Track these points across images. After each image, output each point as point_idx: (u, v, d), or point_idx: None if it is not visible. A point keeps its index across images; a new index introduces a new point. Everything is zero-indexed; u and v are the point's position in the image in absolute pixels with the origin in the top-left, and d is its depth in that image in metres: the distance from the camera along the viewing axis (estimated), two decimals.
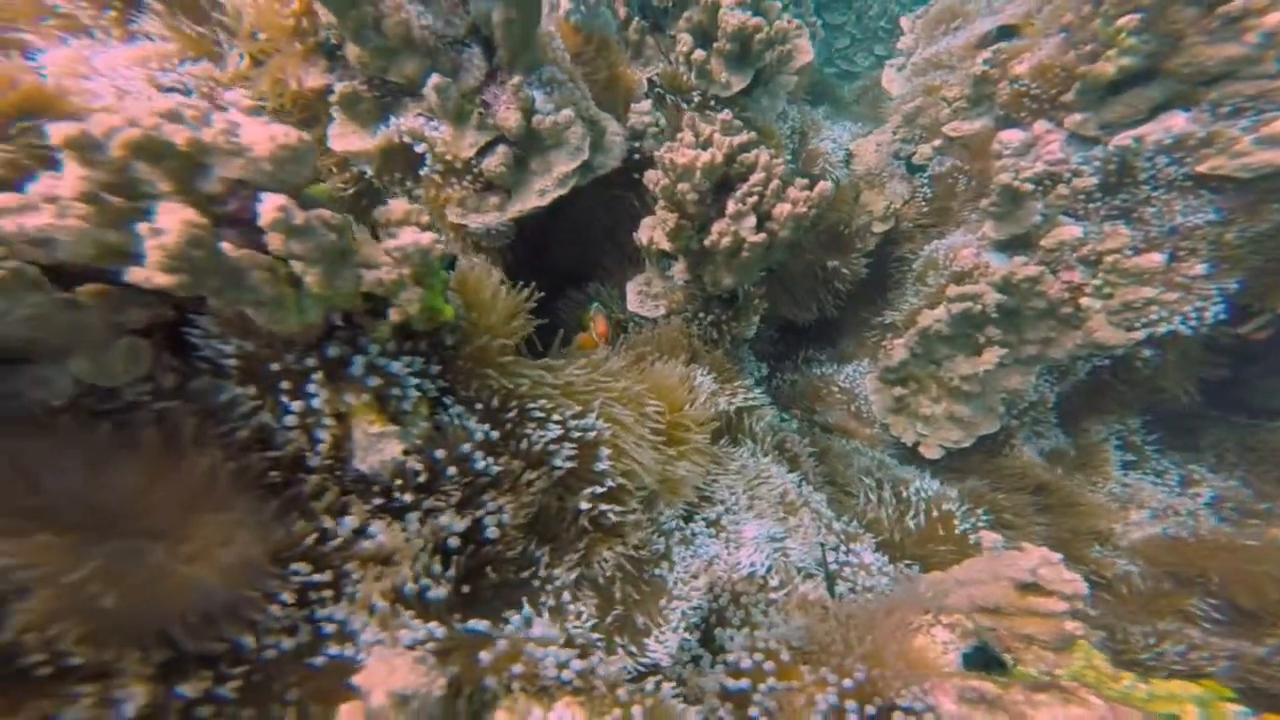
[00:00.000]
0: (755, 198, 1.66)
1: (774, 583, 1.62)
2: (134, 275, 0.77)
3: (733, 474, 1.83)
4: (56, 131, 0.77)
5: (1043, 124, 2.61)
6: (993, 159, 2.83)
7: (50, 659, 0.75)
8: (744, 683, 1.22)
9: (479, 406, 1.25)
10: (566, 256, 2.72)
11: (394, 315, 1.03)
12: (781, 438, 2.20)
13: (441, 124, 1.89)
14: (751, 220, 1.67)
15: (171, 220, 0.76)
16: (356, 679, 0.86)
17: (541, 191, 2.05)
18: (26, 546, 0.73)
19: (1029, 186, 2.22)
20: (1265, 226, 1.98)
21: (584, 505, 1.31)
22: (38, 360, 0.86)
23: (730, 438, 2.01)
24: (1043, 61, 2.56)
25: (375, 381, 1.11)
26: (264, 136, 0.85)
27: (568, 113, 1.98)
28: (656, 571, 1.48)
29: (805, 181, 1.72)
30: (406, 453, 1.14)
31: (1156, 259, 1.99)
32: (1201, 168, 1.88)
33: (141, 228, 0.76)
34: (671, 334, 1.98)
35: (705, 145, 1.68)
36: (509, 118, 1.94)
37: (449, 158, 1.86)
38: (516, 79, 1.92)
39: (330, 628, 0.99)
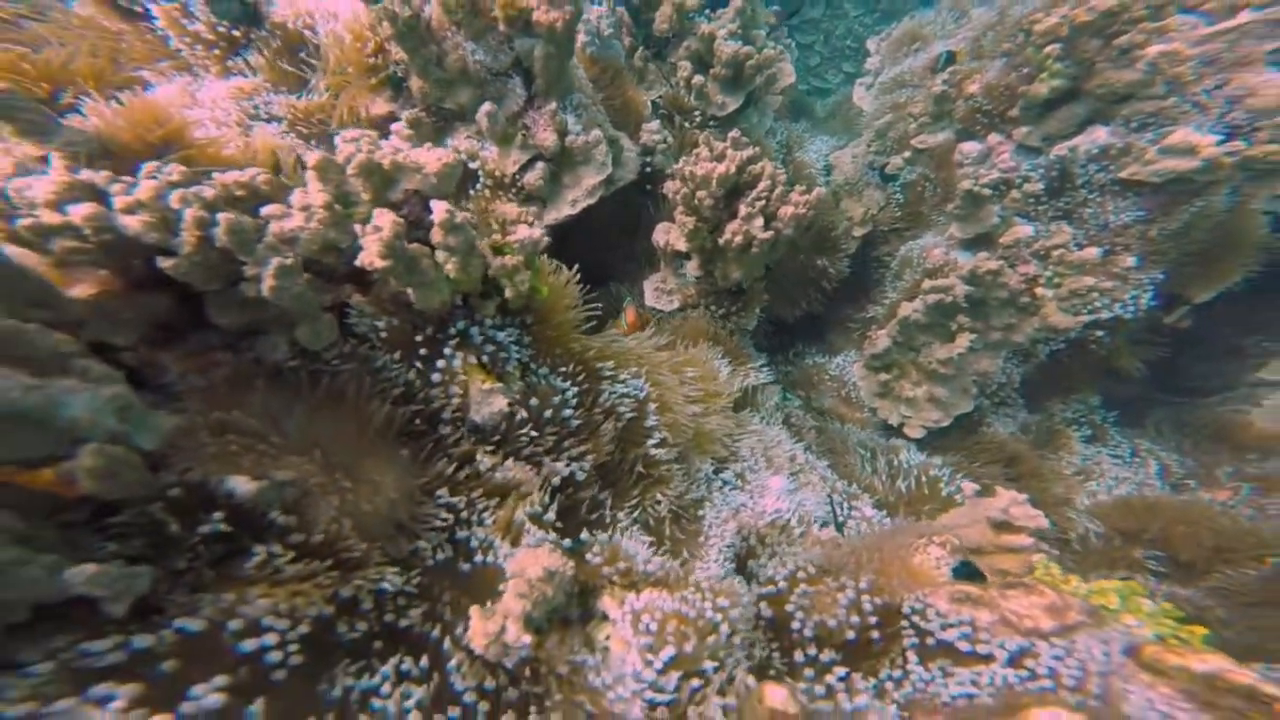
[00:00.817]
0: (763, 201, 2.05)
1: (795, 527, 1.98)
2: (364, 259, 1.10)
3: (750, 437, 2.20)
4: (311, 158, 1.09)
5: (995, 136, 3.10)
6: (955, 168, 3.32)
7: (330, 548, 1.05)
8: (782, 586, 1.57)
9: (561, 369, 1.59)
10: (584, 259, 3.08)
11: (509, 293, 1.37)
12: (787, 412, 2.58)
13: (489, 144, 2.24)
14: (760, 221, 2.06)
15: (385, 220, 1.10)
16: (511, 565, 1.18)
17: (574, 202, 2.41)
18: (302, 467, 1.04)
19: (988, 191, 2.68)
20: (1177, 225, 2.47)
21: (652, 449, 1.64)
22: (269, 331, 1.17)
23: (746, 409, 2.37)
24: (991, 82, 3.06)
25: (488, 349, 1.44)
26: (432, 158, 1.19)
27: (597, 133, 2.35)
28: (699, 512, 1.82)
29: (803, 188, 2.13)
30: (511, 405, 1.47)
31: (1093, 253, 2.46)
32: (1123, 174, 2.36)
33: (366, 228, 1.09)
34: (697, 323, 2.36)
35: (719, 158, 2.06)
36: (547, 138, 2.30)
37: (497, 173, 2.20)
38: (553, 105, 2.29)
39: (475, 543, 1.31)
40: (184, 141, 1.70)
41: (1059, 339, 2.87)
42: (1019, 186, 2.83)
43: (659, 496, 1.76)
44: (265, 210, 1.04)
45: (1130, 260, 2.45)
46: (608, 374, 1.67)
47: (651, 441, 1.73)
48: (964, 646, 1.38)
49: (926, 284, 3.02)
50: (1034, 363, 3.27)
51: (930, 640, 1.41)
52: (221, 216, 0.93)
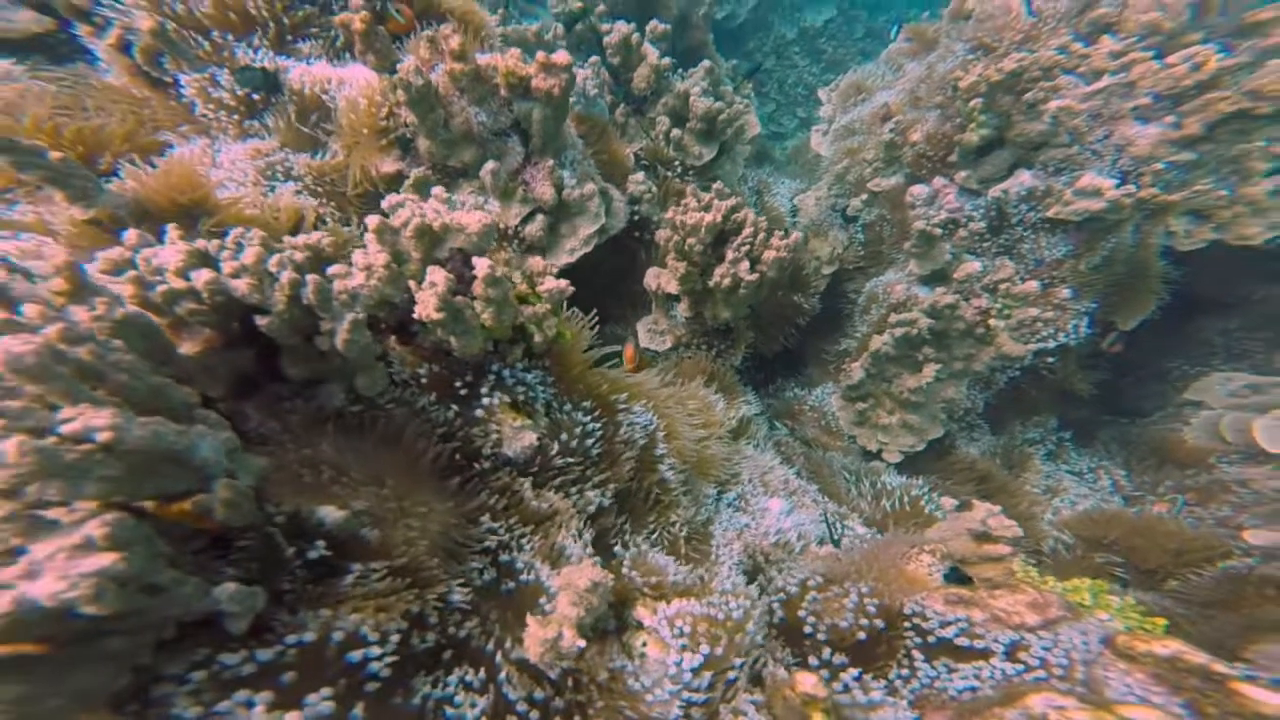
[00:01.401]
0: (747, 246, 2.32)
1: (795, 544, 2.17)
2: (421, 312, 1.27)
3: (747, 463, 2.40)
4: (371, 221, 1.27)
5: (940, 180, 3.52)
6: (908, 209, 3.72)
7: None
8: (794, 591, 1.75)
9: (581, 405, 1.76)
10: (580, 303, 3.29)
11: (537, 338, 1.55)
12: (776, 439, 2.80)
13: (492, 200, 2.45)
14: (746, 264, 2.32)
15: (439, 278, 1.28)
16: (557, 581, 1.33)
17: (571, 250, 2.63)
18: (372, 498, 1.18)
19: (939, 230, 3.04)
20: (1099, 258, 2.88)
21: (666, 474, 1.82)
22: (330, 380, 1.32)
23: (739, 439, 2.58)
24: (930, 131, 3.49)
25: (519, 389, 1.61)
26: (473, 219, 1.39)
27: (591, 186, 2.60)
28: (709, 530, 1.99)
29: (781, 232, 2.41)
30: (540, 439, 1.63)
31: (1034, 285, 2.83)
32: (1049, 213, 2.76)
33: (423, 285, 1.27)
34: (694, 361, 2.58)
35: (706, 208, 2.33)
36: (545, 192, 2.53)
37: (500, 226, 2.41)
38: (550, 162, 2.53)
39: (519, 564, 1.44)
40: (210, 203, 1.85)
41: (1014, 366, 3.22)
42: (965, 225, 3.21)
43: (673, 518, 1.92)
44: (331, 270, 1.21)
45: (1065, 292, 2.83)
46: (621, 407, 1.85)
47: (664, 467, 1.91)
48: (962, 642, 1.57)
49: (893, 318, 3.35)
50: (994, 389, 3.63)
51: (931, 639, 1.60)
52: (309, 277, 1.10)
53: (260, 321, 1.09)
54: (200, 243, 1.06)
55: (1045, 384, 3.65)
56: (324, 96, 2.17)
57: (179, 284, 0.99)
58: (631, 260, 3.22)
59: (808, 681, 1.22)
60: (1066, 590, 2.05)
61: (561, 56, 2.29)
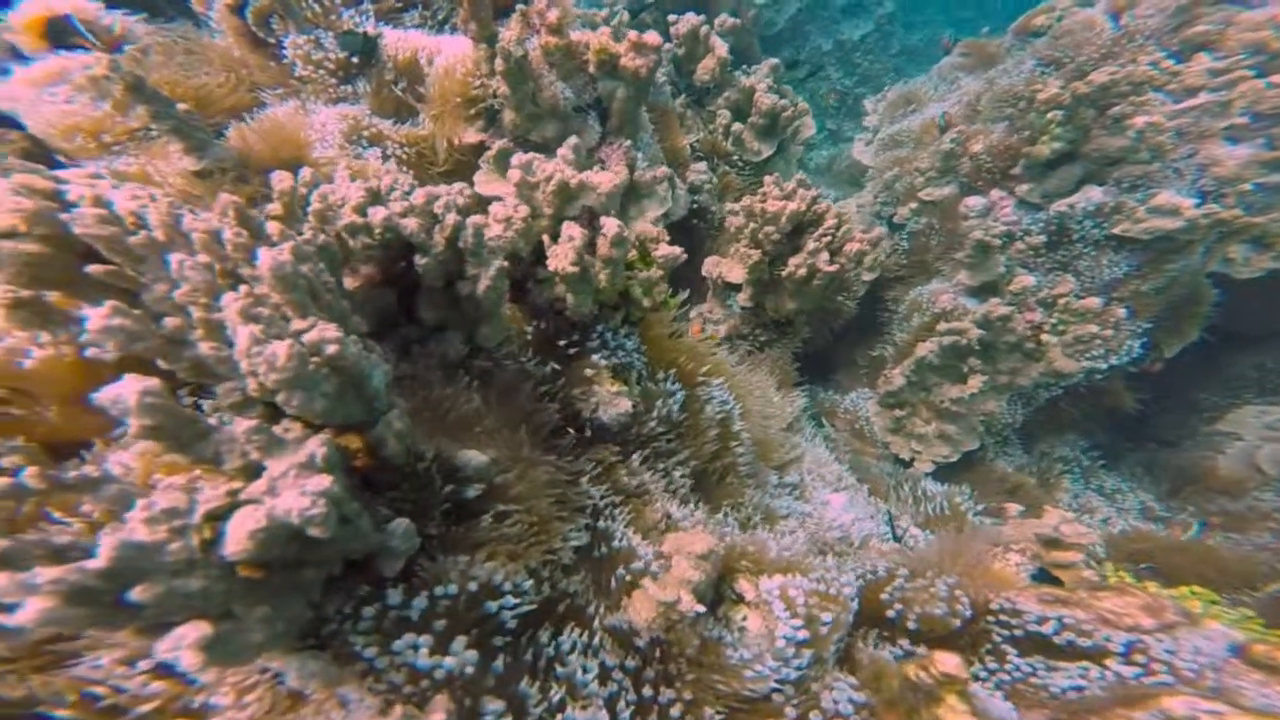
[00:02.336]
0: (829, 237, 2.36)
1: (855, 540, 2.21)
2: (555, 264, 1.30)
3: (804, 455, 2.44)
4: (513, 175, 1.30)
5: (997, 192, 3.57)
6: (960, 220, 3.78)
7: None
8: (881, 574, 1.77)
9: (669, 374, 1.80)
10: None
11: (646, 303, 1.58)
12: (825, 433, 2.84)
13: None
14: (825, 255, 2.37)
15: (576, 232, 1.32)
16: (667, 544, 1.36)
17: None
18: (503, 446, 1.21)
19: (998, 242, 3.09)
20: (1163, 280, 2.94)
21: (739, 453, 1.85)
22: (450, 329, 1.35)
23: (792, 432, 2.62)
24: (993, 143, 3.55)
25: (619, 354, 1.64)
26: (605, 179, 1.42)
27: (663, 169, 2.64)
28: (775, 515, 2.03)
29: (862, 226, 2.46)
30: (635, 406, 1.66)
31: (1095, 302, 2.88)
32: (1116, 230, 2.82)
33: (560, 239, 1.30)
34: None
35: (789, 197, 2.37)
36: (620, 172, 2.56)
37: None
38: (628, 142, 2.57)
39: (615, 530, 1.48)
40: (306, 161, 1.89)
41: (1060, 384, 3.27)
42: (1022, 238, 3.27)
43: (743, 500, 1.96)
44: (471, 219, 1.24)
45: (1122, 311, 2.89)
46: (700, 380, 1.89)
47: (738, 447, 1.95)
48: (1063, 640, 1.56)
49: (941, 326, 3.40)
50: (1034, 405, 3.68)
51: (1019, 633, 1.63)
52: (470, 221, 1.13)
53: (419, 261, 1.12)
54: (372, 181, 1.09)
55: (1083, 402, 3.70)
56: (418, 64, 2.20)
57: (356, 219, 1.02)
58: (686, 248, 3.26)
59: (950, 662, 1.25)
60: (1175, 598, 2.07)
61: (653, 37, 2.33)
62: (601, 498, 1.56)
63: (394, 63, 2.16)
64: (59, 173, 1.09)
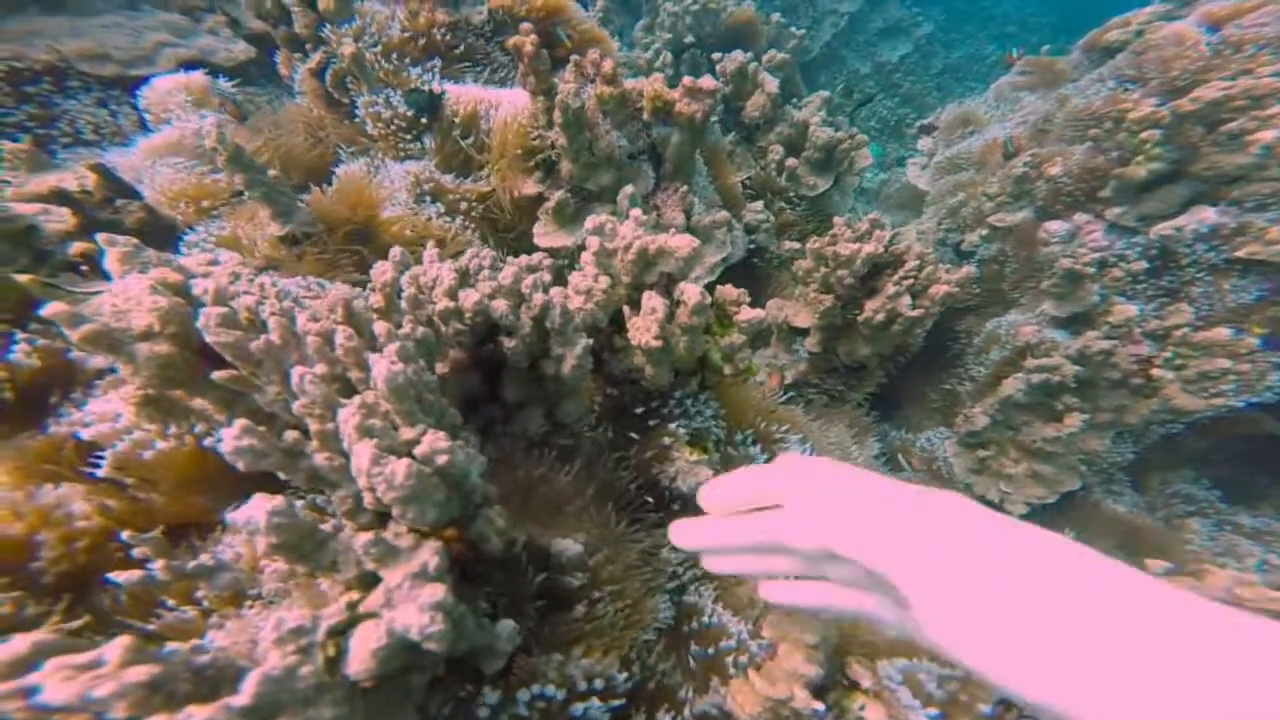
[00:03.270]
0: (911, 279, 2.30)
1: None
2: (639, 338, 1.29)
3: None
4: (591, 243, 1.31)
5: (1082, 216, 3.43)
6: (1039, 245, 3.64)
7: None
8: None
9: (749, 438, 1.75)
10: None
11: (728, 370, 1.55)
12: (905, 477, 2.72)
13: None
14: (906, 299, 2.30)
15: (658, 304, 1.30)
16: (767, 631, 1.30)
17: (697, 279, 2.66)
18: (592, 528, 1.19)
19: (1091, 270, 2.95)
20: None
21: None
22: (531, 405, 1.34)
23: None
24: (1075, 164, 3.42)
25: (697, 421, 1.61)
26: (682, 242, 1.41)
27: (723, 214, 2.65)
28: None
29: (947, 266, 2.39)
30: (715, 475, 1.61)
31: (1224, 333, 2.69)
32: (1240, 253, 2.64)
33: (642, 310, 1.29)
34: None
35: (862, 238, 2.33)
36: (675, 218, 2.58)
37: None
38: (684, 188, 2.59)
39: (704, 606, 1.42)
40: (376, 221, 1.96)
41: (1180, 420, 3.05)
42: (1118, 265, 3.11)
43: None
44: (557, 297, 1.24)
45: (1254, 341, 2.69)
46: (778, 437, 1.83)
47: None
48: None
49: (1030, 363, 3.24)
50: (1146, 442, 3.44)
51: None
52: (555, 300, 1.13)
53: (507, 343, 1.13)
54: (458, 262, 1.11)
55: (1208, 433, 3.43)
56: (478, 117, 2.30)
57: (448, 304, 1.03)
58: (746, 289, 3.23)
59: None
60: None
61: (708, 82, 2.37)
62: (684, 568, 1.51)
63: (457, 118, 2.25)
64: (183, 261, 1.15)
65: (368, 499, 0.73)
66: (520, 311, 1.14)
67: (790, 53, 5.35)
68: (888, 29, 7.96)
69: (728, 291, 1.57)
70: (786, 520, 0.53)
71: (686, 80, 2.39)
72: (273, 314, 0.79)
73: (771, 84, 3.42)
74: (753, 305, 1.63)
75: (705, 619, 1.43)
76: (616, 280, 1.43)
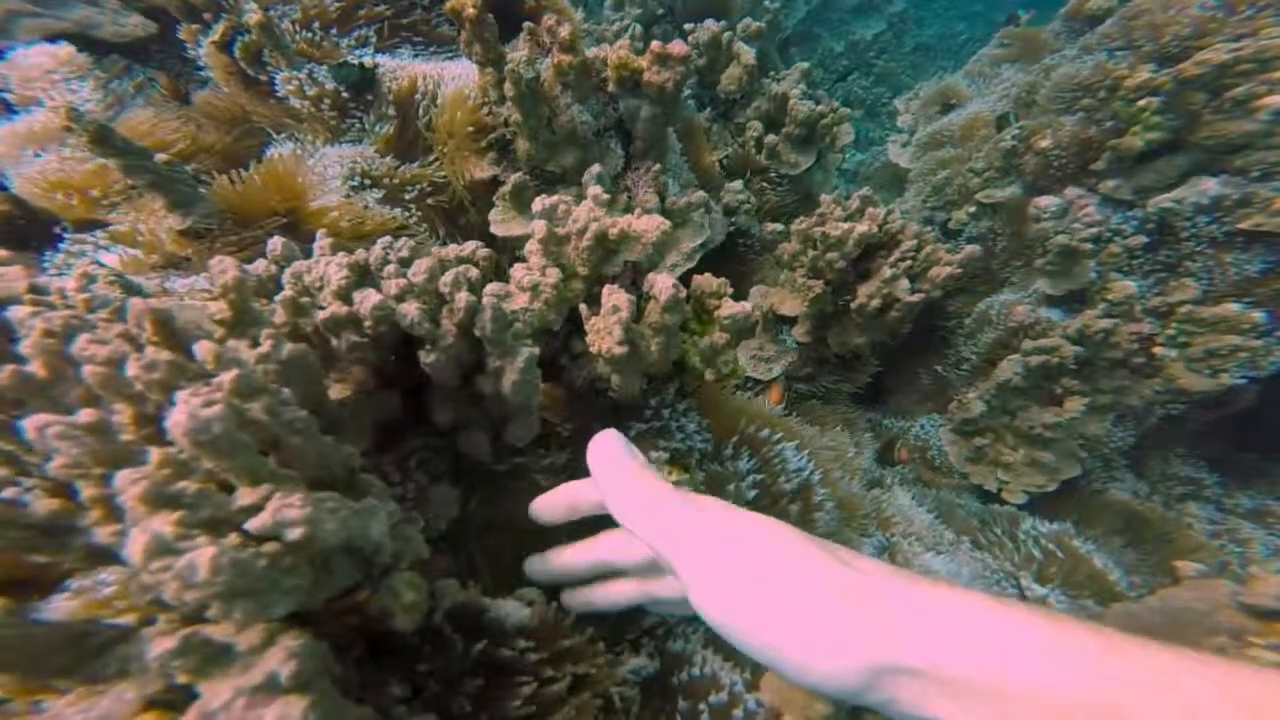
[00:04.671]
0: (908, 261, 2.08)
1: None
2: (600, 345, 1.05)
3: (890, 509, 2.14)
4: (537, 229, 1.07)
5: (1073, 190, 3.25)
6: (1030, 222, 3.45)
7: None
8: None
9: (738, 450, 1.53)
10: None
11: (709, 375, 1.32)
12: (901, 471, 2.53)
13: None
14: (904, 283, 2.08)
15: (622, 301, 1.07)
16: (766, 693, 1.08)
17: (673, 266, 2.42)
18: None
19: (1087, 246, 2.76)
20: None
21: (821, 522, 1.57)
22: (468, 428, 1.10)
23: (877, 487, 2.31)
24: (1066, 136, 3.23)
25: (678, 438, 1.38)
26: (651, 225, 1.18)
27: (700, 194, 2.40)
28: None
29: (948, 245, 2.18)
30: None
31: (1232, 308, 2.52)
32: (1244, 225, 2.47)
33: (602, 311, 1.05)
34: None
35: (853, 216, 2.11)
36: (648, 200, 2.33)
37: None
38: (656, 166, 2.34)
39: (690, 653, 1.20)
40: (303, 211, 1.69)
41: (1183, 400, 2.90)
42: (1114, 240, 2.93)
43: None
44: (489, 290, 1.00)
45: (1258, 315, 2.53)
46: (773, 441, 1.62)
47: (821, 514, 1.66)
48: None
49: (1027, 344, 3.06)
50: (1146, 425, 3.28)
51: None
52: (486, 301, 0.89)
53: (425, 359, 0.88)
54: (361, 253, 0.86)
55: (1199, 412, 3.28)
56: (419, 94, 2.02)
57: (340, 309, 0.78)
58: (726, 276, 3.01)
59: None
60: None
61: (678, 46, 2.11)
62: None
63: (394, 94, 1.97)
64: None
65: (169, 595, 0.49)
66: (441, 316, 0.89)
67: (765, 26, 5.10)
68: (860, 7, 7.74)
69: (706, 282, 1.34)
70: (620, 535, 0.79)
71: (655, 45, 2.14)
72: (41, 334, 0.54)
73: (748, 54, 3.17)
74: (736, 296, 1.41)
75: (695, 669, 1.21)
76: (570, 272, 1.20)
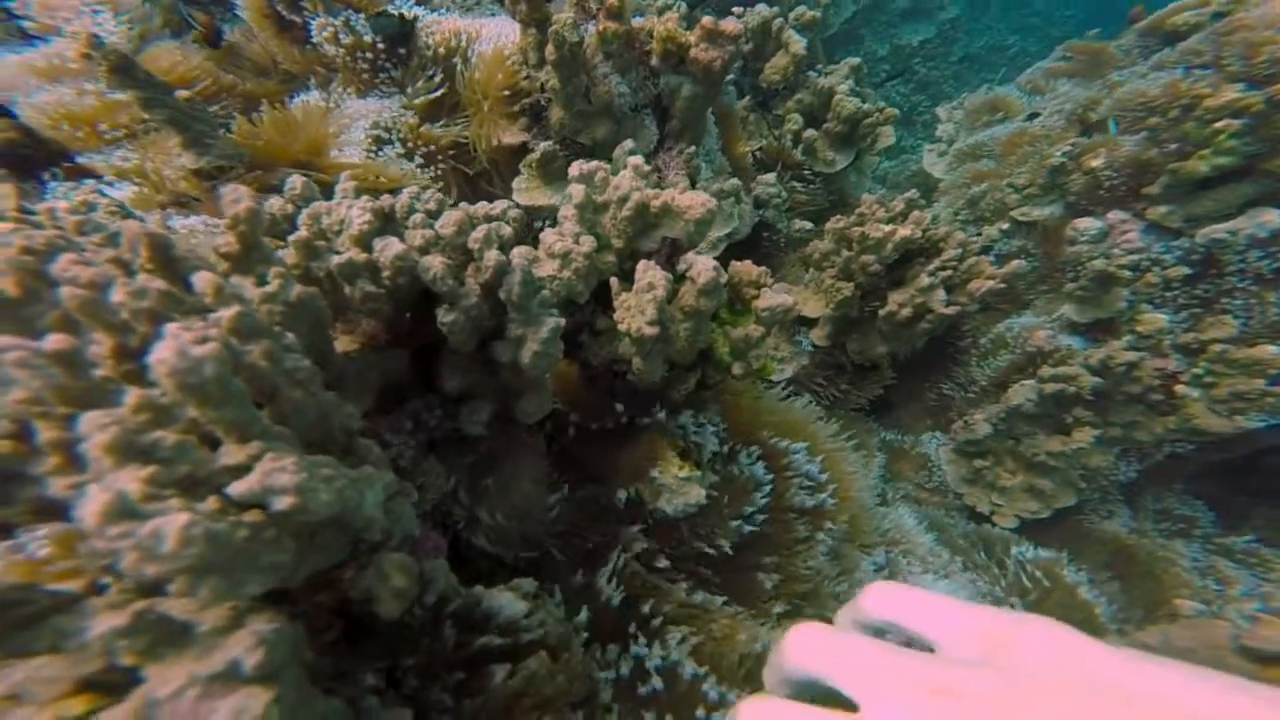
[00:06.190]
0: (949, 271, 1.99)
1: None
2: (625, 320, 0.97)
3: (890, 527, 2.07)
4: (575, 193, 0.98)
5: (1117, 213, 3.12)
6: (1065, 244, 3.34)
7: None
8: None
9: (752, 454, 1.45)
10: None
11: (737, 369, 1.24)
12: (904, 493, 2.46)
13: None
14: (941, 293, 1.99)
15: (659, 279, 0.98)
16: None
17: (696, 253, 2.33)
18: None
19: (1126, 273, 2.66)
20: None
21: (822, 549, 1.50)
22: (475, 397, 1.03)
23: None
24: (1123, 156, 3.08)
25: (692, 430, 1.31)
26: (696, 201, 1.09)
27: (734, 181, 2.30)
28: None
29: (991, 258, 2.08)
30: (709, 497, 1.32)
31: (1269, 350, 2.43)
32: None
33: (635, 288, 0.97)
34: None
35: (896, 219, 2.01)
36: (678, 182, 2.23)
37: None
38: (691, 149, 2.24)
39: (663, 662, 1.14)
40: (323, 161, 1.60)
41: (1195, 441, 2.82)
42: (1152, 269, 2.83)
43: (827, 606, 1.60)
44: (516, 252, 0.92)
45: None
46: (793, 452, 1.54)
47: (825, 539, 1.59)
48: None
49: (1045, 372, 2.97)
50: (1151, 460, 3.20)
51: None
52: (516, 263, 0.81)
53: (443, 316, 0.81)
54: (387, 199, 0.78)
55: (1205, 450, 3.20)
56: (453, 51, 1.92)
57: (359, 255, 0.70)
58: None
59: None
60: None
61: (731, 24, 2.01)
62: (650, 611, 1.23)
63: (431, 49, 1.88)
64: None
65: (125, 566, 0.42)
66: (465, 274, 0.81)
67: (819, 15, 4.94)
68: (912, 10, 7.50)
69: (745, 270, 1.26)
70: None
71: (706, 21, 2.03)
72: (18, 250, 0.47)
73: (798, 44, 3.04)
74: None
75: (684, 675, 1.15)
76: (605, 243, 1.11)
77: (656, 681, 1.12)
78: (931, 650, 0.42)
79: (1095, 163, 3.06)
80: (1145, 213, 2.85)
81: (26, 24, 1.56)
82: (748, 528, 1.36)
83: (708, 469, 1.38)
